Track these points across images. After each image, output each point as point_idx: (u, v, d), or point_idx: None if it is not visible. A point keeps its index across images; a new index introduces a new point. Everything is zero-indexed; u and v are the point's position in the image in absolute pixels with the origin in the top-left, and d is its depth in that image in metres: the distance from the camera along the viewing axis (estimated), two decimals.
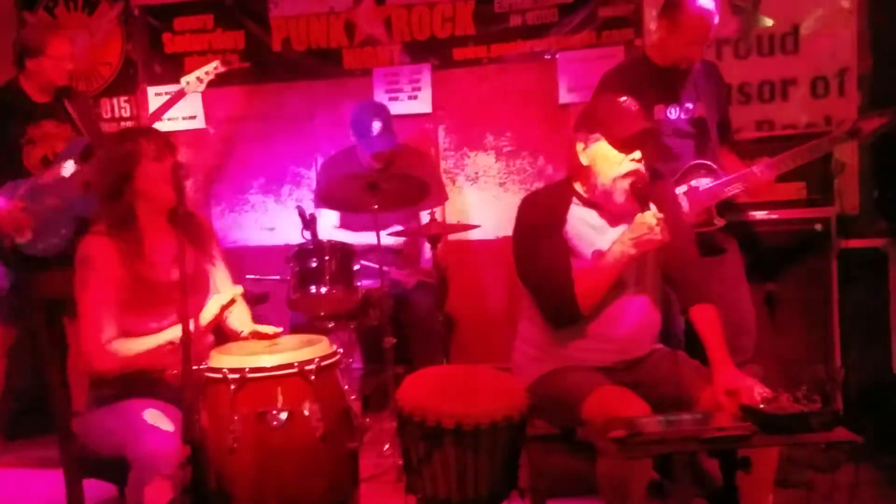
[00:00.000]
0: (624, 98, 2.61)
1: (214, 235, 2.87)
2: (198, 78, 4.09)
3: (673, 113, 3.41)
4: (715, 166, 3.39)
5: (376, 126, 4.12)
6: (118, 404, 2.50)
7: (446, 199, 4.42)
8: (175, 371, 2.31)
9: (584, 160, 2.61)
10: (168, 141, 2.64)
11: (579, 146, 2.62)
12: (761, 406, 2.08)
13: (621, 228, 2.59)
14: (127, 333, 2.52)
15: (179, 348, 2.19)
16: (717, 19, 3.28)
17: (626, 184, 2.54)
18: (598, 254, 2.58)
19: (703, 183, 3.36)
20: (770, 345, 3.70)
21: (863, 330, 3.88)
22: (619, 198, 2.56)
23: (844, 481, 2.88)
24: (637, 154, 2.55)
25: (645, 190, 2.53)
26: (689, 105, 3.42)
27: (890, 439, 3.32)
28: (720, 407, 2.33)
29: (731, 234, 3.52)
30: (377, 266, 3.63)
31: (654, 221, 2.45)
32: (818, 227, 3.75)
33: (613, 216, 2.63)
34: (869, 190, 4.10)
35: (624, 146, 2.54)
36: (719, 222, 3.36)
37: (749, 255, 3.62)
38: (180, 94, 4.07)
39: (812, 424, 2.03)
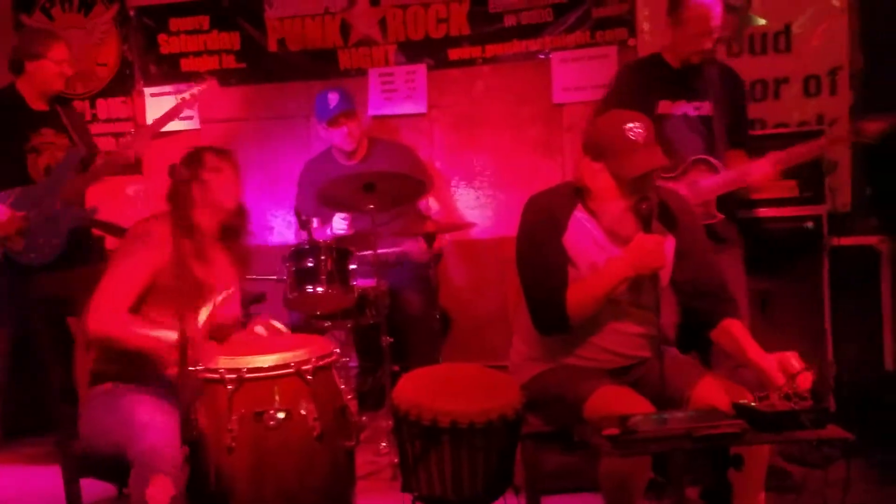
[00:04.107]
0: (630, 125, 2.44)
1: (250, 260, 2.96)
2: (192, 95, 4.02)
3: (679, 109, 3.51)
4: (715, 163, 3.45)
5: (333, 98, 4.21)
6: (115, 402, 2.52)
7: (433, 187, 4.41)
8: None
9: (588, 181, 2.54)
10: (227, 156, 2.84)
11: (584, 166, 2.54)
12: (753, 403, 2.11)
13: (622, 244, 2.51)
14: (158, 324, 2.54)
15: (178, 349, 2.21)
16: (717, 10, 3.40)
17: (630, 211, 2.48)
18: (595, 268, 2.53)
19: (704, 178, 3.42)
20: (763, 342, 3.72)
21: (855, 327, 3.90)
22: (625, 223, 2.50)
23: (836, 478, 2.90)
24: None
25: (649, 212, 2.44)
26: (698, 103, 3.51)
27: (882, 436, 3.35)
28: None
29: (734, 226, 3.58)
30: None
31: (653, 245, 2.41)
32: (810, 224, 3.77)
33: (615, 234, 2.55)
34: (861, 187, 4.13)
35: (628, 185, 2.46)
36: (717, 217, 3.42)
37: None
38: (179, 108, 4.02)
39: (803, 422, 2.05)
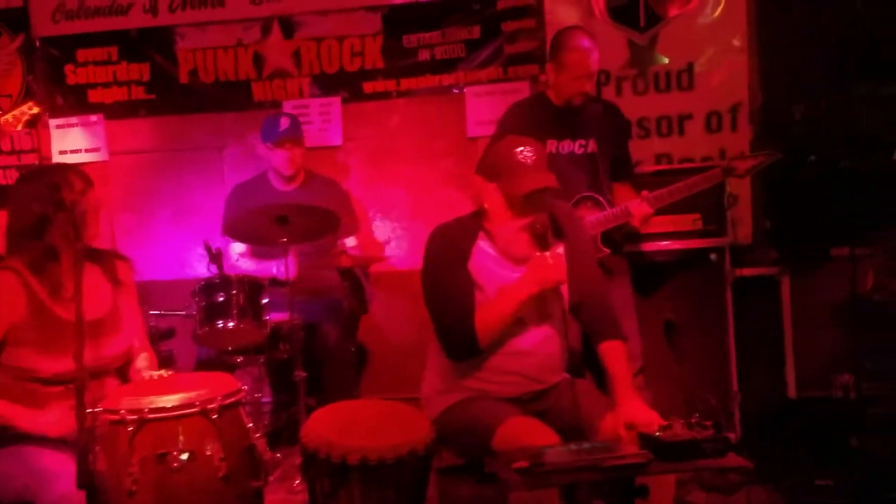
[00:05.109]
0: (521, 148, 2.56)
1: (133, 278, 2.81)
2: (13, 116, 3.98)
3: (566, 147, 3.61)
4: (601, 199, 3.57)
5: (284, 121, 4.20)
6: (18, 449, 2.42)
7: (357, 229, 4.43)
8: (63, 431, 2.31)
9: (485, 204, 2.63)
10: (89, 177, 2.63)
11: (480, 189, 2.63)
12: (657, 434, 2.16)
13: (521, 264, 2.59)
14: (31, 373, 2.46)
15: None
16: (595, 55, 3.53)
17: (523, 230, 2.56)
18: (502, 290, 2.59)
19: (589, 214, 3.52)
20: (669, 371, 3.82)
21: (758, 355, 4.02)
22: (518, 243, 2.58)
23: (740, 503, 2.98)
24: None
25: (544, 230, 2.54)
26: (583, 141, 3.62)
27: (786, 461, 3.45)
28: (620, 436, 2.38)
29: (621, 258, 3.67)
30: None
31: (551, 261, 2.49)
32: (713, 256, 3.90)
33: (511, 255, 2.63)
34: (761, 221, 4.28)
35: (519, 204, 2.54)
36: (603, 251, 3.52)
37: (647, 284, 3.75)
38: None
39: (705, 451, 2.11)
